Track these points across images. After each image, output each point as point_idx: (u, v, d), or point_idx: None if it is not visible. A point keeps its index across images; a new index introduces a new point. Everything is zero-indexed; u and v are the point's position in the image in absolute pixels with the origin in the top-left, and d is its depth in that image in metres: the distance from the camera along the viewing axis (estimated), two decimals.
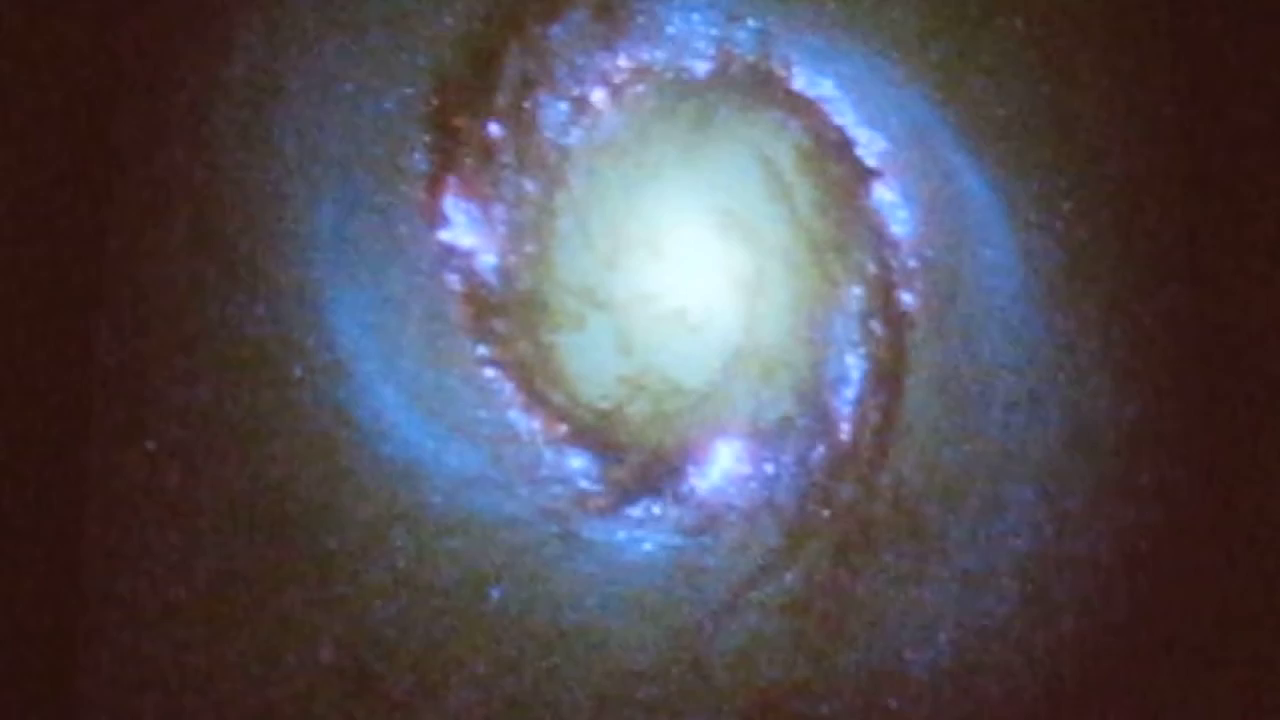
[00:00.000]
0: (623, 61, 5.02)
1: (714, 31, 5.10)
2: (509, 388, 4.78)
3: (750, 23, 5.13)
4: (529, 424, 4.77)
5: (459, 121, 4.86)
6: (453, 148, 4.84)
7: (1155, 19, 5.48)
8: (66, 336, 4.45)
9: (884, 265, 5.12)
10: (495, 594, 4.65)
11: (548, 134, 4.92)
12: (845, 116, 5.17)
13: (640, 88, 5.03)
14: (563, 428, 4.80)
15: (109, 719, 4.34)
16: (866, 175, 5.16)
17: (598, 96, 4.99)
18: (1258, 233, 5.45)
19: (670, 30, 5.07)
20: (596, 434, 4.81)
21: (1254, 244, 5.45)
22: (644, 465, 4.83)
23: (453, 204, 4.82)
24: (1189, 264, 5.37)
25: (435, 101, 4.85)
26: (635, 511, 4.80)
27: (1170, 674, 5.09)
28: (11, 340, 4.42)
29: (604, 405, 4.83)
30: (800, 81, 5.15)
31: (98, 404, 4.46)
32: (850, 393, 5.03)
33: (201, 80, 4.66)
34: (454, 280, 4.80)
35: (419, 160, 4.81)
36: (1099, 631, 5.05)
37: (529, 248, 4.86)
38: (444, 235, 4.81)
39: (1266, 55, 5.58)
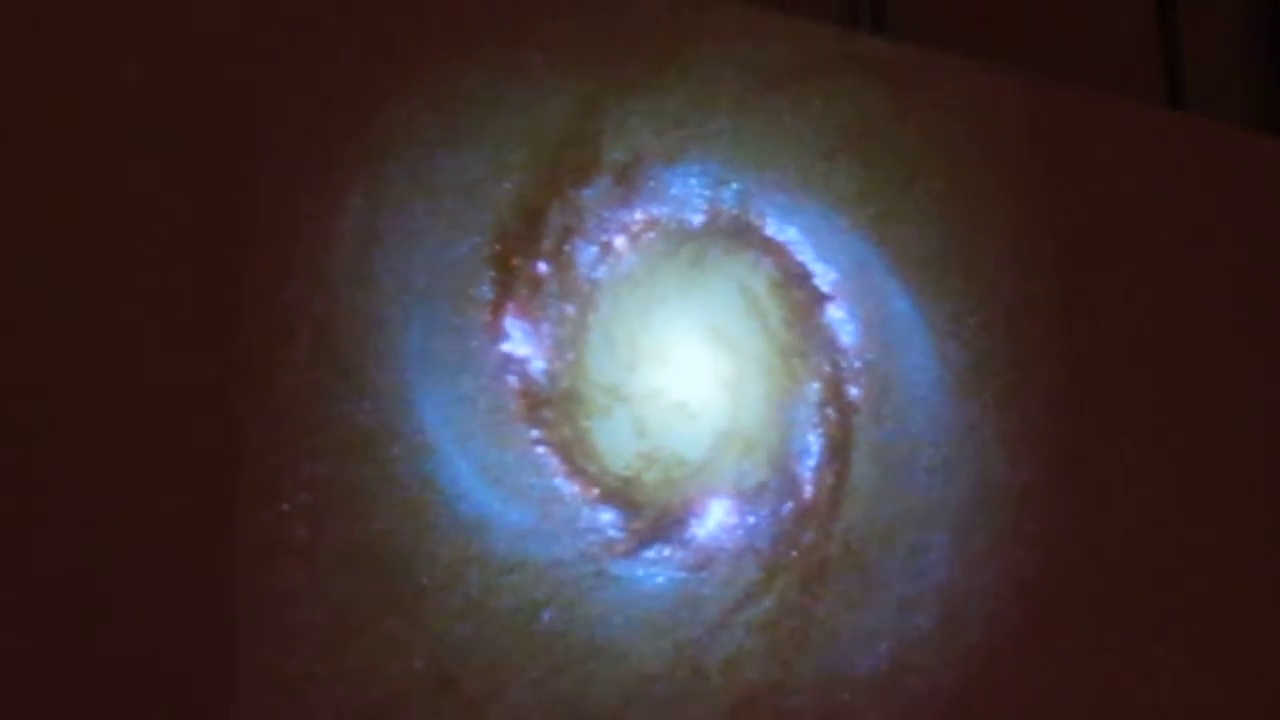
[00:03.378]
0: (637, 215, 4.93)
1: (706, 192, 5.03)
2: (554, 461, 4.65)
3: (733, 185, 5.08)
4: (570, 489, 4.64)
5: (515, 261, 4.73)
6: (510, 281, 4.72)
7: (1035, 183, 5.50)
8: (218, 424, 4.30)
9: (835, 366, 5.06)
10: (545, 616, 4.53)
11: (582, 270, 4.82)
12: (805, 255, 5.11)
13: (650, 235, 4.94)
14: (595, 491, 4.67)
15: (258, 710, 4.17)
16: (821, 299, 5.10)
17: (619, 242, 4.89)
18: (1117, 338, 5.48)
19: (673, 191, 4.99)
20: (620, 496, 4.70)
21: (1114, 348, 5.47)
22: (656, 519, 4.73)
23: (510, 323, 4.69)
24: (1064, 364, 5.39)
25: (497, 247, 4.72)
26: (650, 554, 4.70)
27: (1054, 669, 5.10)
28: (174, 420, 4.25)
29: (626, 474, 4.72)
30: (771, 229, 5.09)
31: (244, 477, 4.29)
32: (811, 462, 4.95)
33: (320, 232, 4.51)
34: (512, 381, 4.66)
35: (484, 290, 4.68)
36: (998, 640, 5.03)
37: (568, 355, 4.74)
38: (504, 347, 4.67)
39: (1126, 209, 5.66)
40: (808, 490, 4.92)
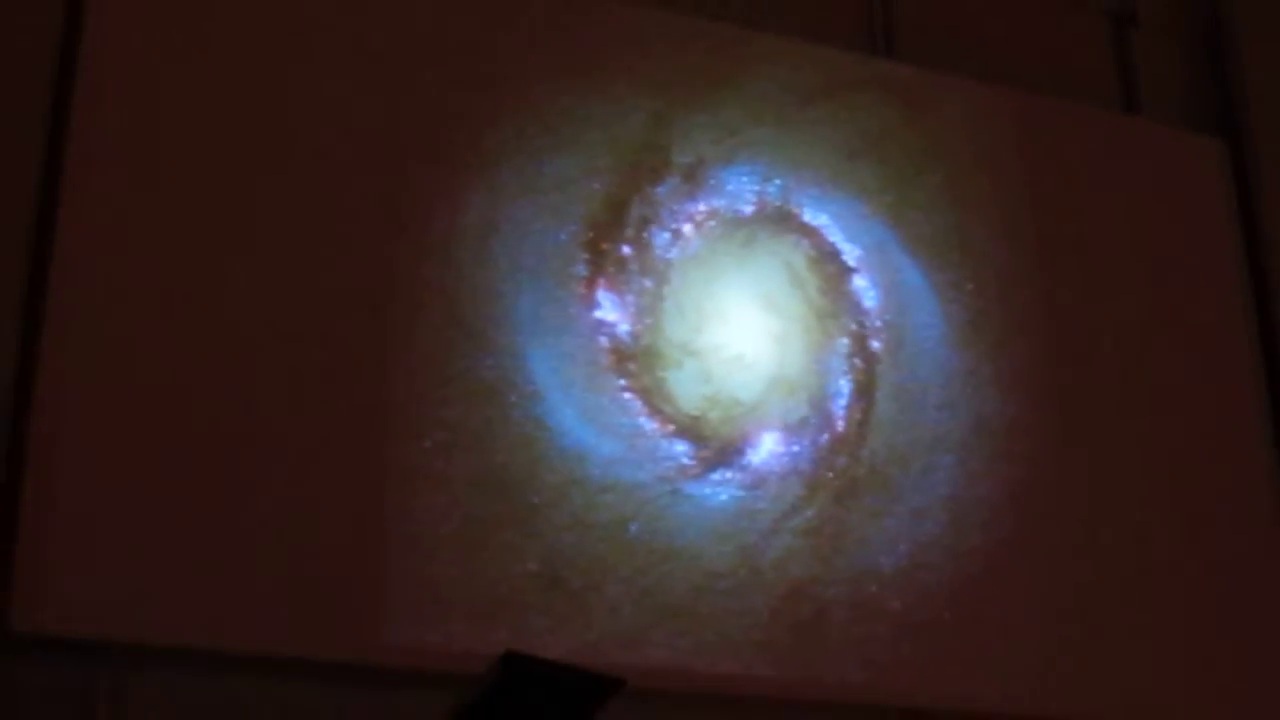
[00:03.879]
0: (701, 207, 5.09)
1: (755, 187, 5.19)
2: (637, 404, 4.81)
3: (777, 181, 5.22)
4: (650, 425, 4.80)
5: (604, 245, 4.93)
6: (600, 261, 4.90)
7: (1019, 176, 5.61)
8: (372, 377, 4.50)
9: (860, 325, 5.19)
10: (632, 527, 4.68)
11: (657, 252, 4.99)
12: (835, 236, 5.25)
13: (711, 222, 5.10)
14: (670, 427, 4.82)
15: (413, 618, 4.34)
16: (848, 271, 5.23)
17: (686, 228, 5.06)
18: (1086, 300, 5.56)
19: (728, 187, 5.15)
20: (690, 430, 4.84)
21: (1084, 308, 5.55)
22: (720, 449, 4.86)
23: (601, 295, 4.88)
24: (1044, 321, 5.47)
25: (589, 234, 4.91)
26: (715, 476, 4.82)
27: (1041, 564, 5.11)
28: (339, 375, 4.45)
29: (695, 413, 4.86)
30: (807, 216, 5.23)
31: (393, 419, 4.49)
32: (842, 401, 5.08)
33: (448, 223, 4.73)
34: (603, 340, 4.84)
35: (580, 269, 4.87)
36: (995, 541, 5.08)
37: (647, 320, 4.91)
38: (596, 314, 4.86)
39: (1092, 196, 5.74)
40: (840, 424, 5.04)
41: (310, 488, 4.31)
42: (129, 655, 4.08)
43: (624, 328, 4.87)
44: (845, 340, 5.15)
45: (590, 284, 4.87)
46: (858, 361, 5.13)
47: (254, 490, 4.24)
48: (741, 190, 5.16)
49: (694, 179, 5.11)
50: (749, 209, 5.16)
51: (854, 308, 5.20)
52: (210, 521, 4.16)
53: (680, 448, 4.81)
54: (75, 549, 4.01)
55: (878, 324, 5.21)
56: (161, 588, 4.05)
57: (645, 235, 4.98)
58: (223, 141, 4.51)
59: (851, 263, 5.24)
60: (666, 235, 5.01)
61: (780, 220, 5.18)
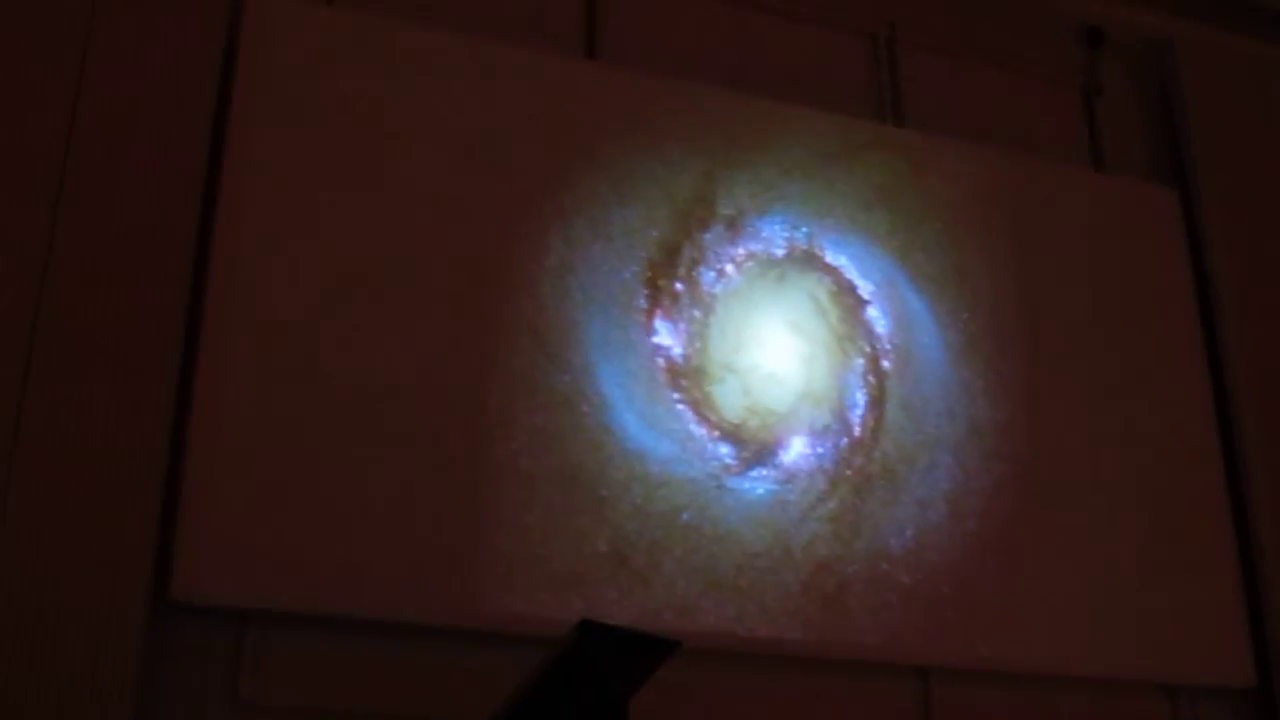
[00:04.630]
0: (741, 250, 5.08)
1: (786, 233, 5.16)
2: (689, 413, 4.79)
3: (804, 229, 5.19)
4: (699, 431, 4.78)
5: (660, 282, 4.92)
6: (657, 295, 4.90)
7: (1006, 221, 5.56)
8: (468, 391, 4.52)
9: (873, 347, 5.16)
10: (686, 516, 4.67)
11: (704, 287, 4.97)
12: (852, 274, 5.22)
13: (751, 263, 5.08)
14: (716, 432, 4.80)
15: (504, 590, 4.35)
16: (863, 303, 5.20)
17: (730, 268, 5.04)
18: (1062, 325, 5.49)
19: (764, 233, 5.13)
20: (733, 435, 4.82)
21: (1061, 333, 5.48)
22: (757, 450, 4.84)
23: (659, 323, 4.87)
24: (1028, 344, 5.41)
25: (649, 273, 4.90)
26: (753, 473, 4.81)
27: (1029, 546, 5.08)
28: (439, 389, 4.46)
29: (736, 421, 4.85)
30: (829, 257, 5.21)
31: (484, 425, 4.50)
32: (859, 411, 5.05)
33: (532, 264, 4.75)
34: (660, 361, 4.82)
35: (641, 301, 4.87)
36: (989, 526, 5.05)
37: (697, 344, 4.89)
38: (655, 339, 4.84)
39: (1067, 238, 5.69)
40: (857, 429, 5.01)
41: (420, 481, 4.34)
42: (270, 621, 4.13)
43: (677, 350, 4.86)
44: (861, 360, 5.12)
45: (649, 314, 4.86)
46: (871, 378, 5.10)
47: (375, 483, 4.27)
48: (774, 236, 5.15)
49: (735, 227, 5.09)
50: (781, 251, 5.14)
51: (868, 333, 5.17)
52: (339, 508, 4.20)
53: (724, 449, 4.80)
54: (226, 529, 4.06)
55: (888, 346, 5.18)
56: (298, 563, 4.10)
57: (695, 273, 4.97)
58: (348, 198, 4.55)
59: (866, 295, 5.22)
60: (712, 273, 5.00)
61: (807, 260, 5.16)
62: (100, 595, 3.83)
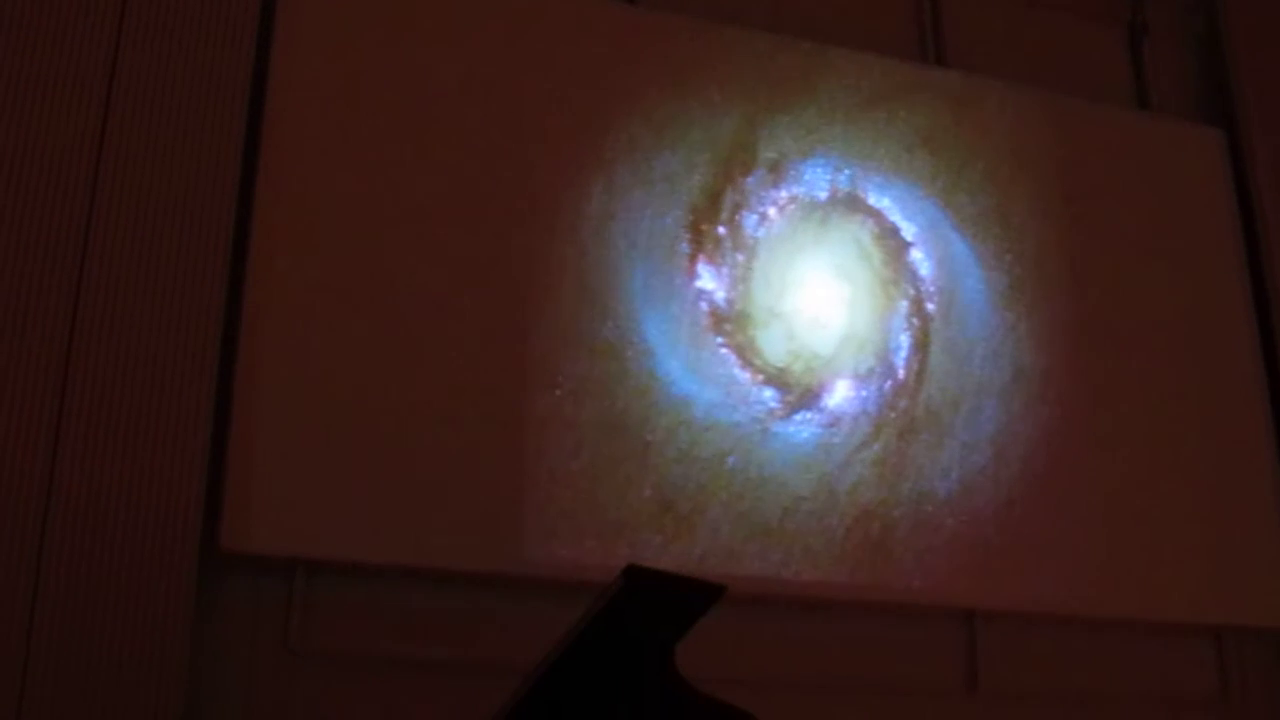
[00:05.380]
0: (784, 193, 5.04)
1: (828, 177, 5.11)
2: (733, 358, 4.77)
3: (846, 171, 5.14)
4: (744, 376, 4.76)
5: (703, 227, 4.88)
6: (700, 240, 4.86)
7: (1052, 163, 5.50)
8: (513, 338, 4.51)
9: (917, 290, 5.13)
10: (730, 460, 4.66)
11: (747, 232, 4.94)
12: (895, 217, 5.17)
13: (793, 207, 5.04)
14: (760, 377, 4.79)
15: (549, 537, 4.37)
16: (907, 245, 5.16)
17: (772, 212, 5.00)
18: (1108, 266, 5.44)
19: (806, 177, 5.08)
20: (777, 380, 4.80)
21: (1107, 273, 5.43)
22: (802, 394, 4.82)
23: (702, 268, 4.84)
24: (1073, 285, 5.36)
25: (691, 218, 4.87)
26: (798, 417, 4.79)
27: (1071, 489, 5.06)
28: (486, 336, 4.45)
29: (781, 365, 4.82)
30: (872, 200, 5.16)
31: (530, 372, 4.49)
32: (903, 354, 5.02)
33: (574, 210, 4.72)
34: (704, 306, 4.80)
35: (684, 247, 4.83)
36: (1031, 470, 5.03)
37: (740, 288, 4.86)
38: (698, 284, 4.82)
39: (1114, 179, 5.62)
40: (901, 373, 4.99)
41: (465, 430, 4.33)
42: (318, 570, 4.16)
43: (720, 295, 4.83)
44: (905, 303, 5.09)
45: (692, 259, 4.83)
46: (915, 321, 5.07)
47: (420, 433, 4.27)
48: (817, 179, 5.10)
49: (778, 171, 5.05)
50: (823, 195, 5.10)
51: (912, 276, 5.13)
52: (384, 458, 4.20)
53: (769, 394, 4.78)
54: (274, 481, 4.07)
55: (932, 289, 5.14)
56: (345, 512, 4.11)
57: (737, 218, 4.93)
58: (392, 145, 4.52)
59: (909, 238, 5.17)
60: (755, 218, 4.96)
61: (850, 204, 5.12)
62: (151, 547, 3.84)
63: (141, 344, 3.98)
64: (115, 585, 3.79)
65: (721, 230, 4.90)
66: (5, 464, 3.77)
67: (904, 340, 5.04)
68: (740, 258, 4.90)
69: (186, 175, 4.17)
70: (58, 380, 3.88)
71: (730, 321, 4.81)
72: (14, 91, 4.05)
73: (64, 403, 3.87)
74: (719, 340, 4.78)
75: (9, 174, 3.99)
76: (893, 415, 4.92)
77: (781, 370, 4.82)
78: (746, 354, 4.79)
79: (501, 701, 3.14)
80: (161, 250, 4.09)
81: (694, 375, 4.70)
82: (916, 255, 5.16)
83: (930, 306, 5.11)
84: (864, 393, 4.91)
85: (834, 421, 4.84)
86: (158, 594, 3.82)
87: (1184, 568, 5.15)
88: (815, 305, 4.95)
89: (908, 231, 5.17)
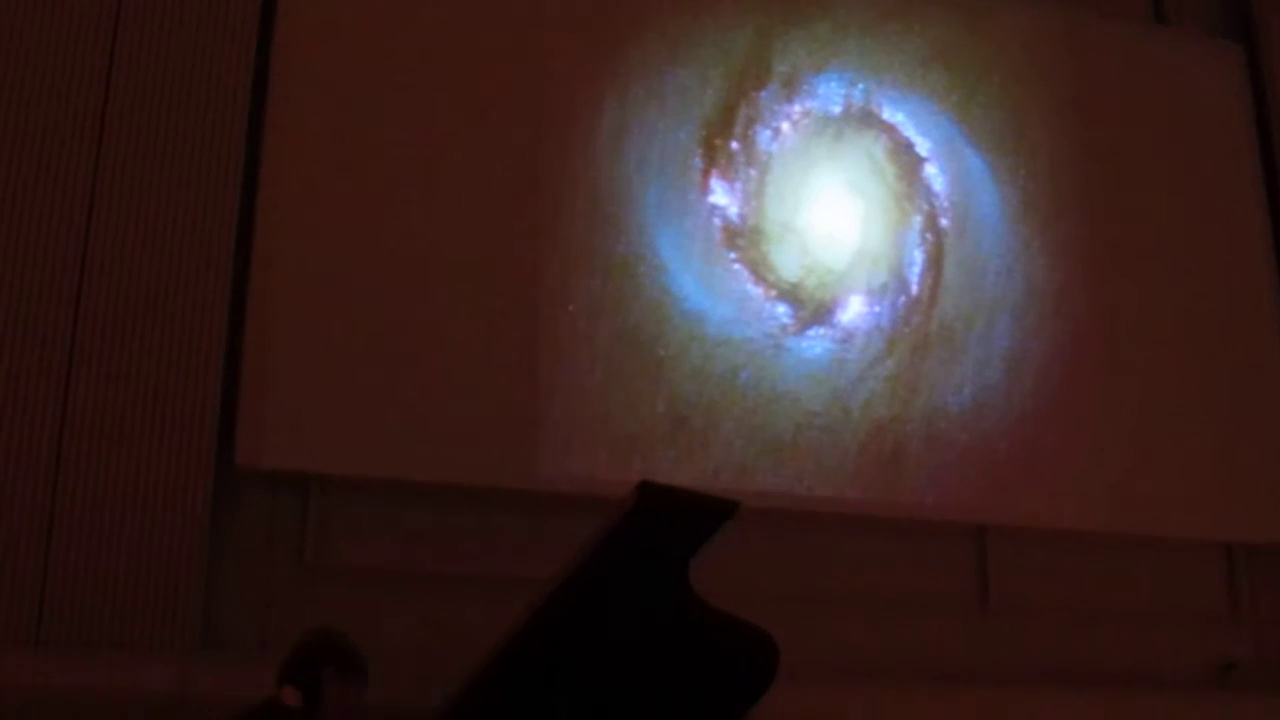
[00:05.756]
0: (797, 108, 4.99)
1: (842, 91, 5.07)
2: (746, 273, 4.75)
3: (860, 86, 5.10)
4: (757, 291, 4.75)
5: (716, 142, 4.84)
6: (713, 155, 4.82)
7: (1066, 77, 5.43)
8: (526, 256, 4.46)
9: (931, 205, 5.09)
10: (743, 375, 4.66)
11: (761, 147, 4.90)
12: (909, 131, 5.14)
13: (807, 121, 5.00)
14: (773, 292, 4.77)
15: (563, 453, 4.36)
16: (921, 161, 5.13)
17: (786, 127, 4.96)
18: (1123, 183, 5.39)
19: (820, 91, 5.04)
20: (791, 295, 4.79)
21: (1121, 190, 5.38)
22: (815, 310, 4.81)
23: (715, 183, 4.80)
24: (1087, 201, 5.31)
25: (704, 133, 4.82)
26: (811, 333, 4.78)
27: (1083, 403, 5.05)
28: (498, 255, 4.39)
29: (794, 280, 4.80)
30: (887, 114, 5.12)
31: (543, 290, 4.47)
32: (916, 269, 5.00)
33: (587, 125, 4.66)
34: (717, 221, 4.77)
35: (697, 162, 4.79)
36: (1045, 386, 5.02)
37: (753, 203, 4.83)
38: (711, 199, 4.78)
39: (1128, 93, 5.54)
40: (915, 289, 4.97)
41: (478, 347, 4.32)
42: (333, 486, 4.17)
43: (734, 210, 4.80)
44: (919, 218, 5.05)
45: (705, 174, 4.79)
46: (929, 236, 5.04)
47: (432, 350, 4.25)
48: (831, 94, 5.05)
49: (791, 85, 4.99)
50: (837, 109, 5.05)
51: (926, 191, 5.09)
52: (397, 376, 4.19)
53: (782, 309, 4.77)
54: (288, 399, 4.06)
55: (946, 204, 5.10)
56: (359, 428, 4.10)
57: (751, 133, 4.89)
58: (405, 62, 4.46)
59: (924, 153, 5.13)
60: (768, 133, 4.92)
61: (863, 119, 5.07)
62: (167, 465, 3.85)
63: (155, 265, 3.97)
64: (132, 502, 3.80)
65: (734, 145, 4.85)
66: (21, 386, 3.77)
67: (918, 256, 5.01)
68: (753, 173, 4.85)
69: (201, 71, 4.14)
70: (71, 304, 3.87)
71: (743, 237, 4.77)
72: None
73: (77, 326, 3.86)
74: (732, 256, 4.75)
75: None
76: (906, 331, 4.91)
77: (795, 286, 4.80)
78: (760, 269, 4.76)
79: (516, 616, 3.14)
80: (174, 159, 4.06)
81: (707, 291, 4.68)
82: (931, 170, 5.12)
83: (944, 222, 5.07)
84: (877, 308, 4.89)
85: (847, 337, 4.83)
86: (174, 510, 3.83)
87: (1195, 484, 5.15)
88: (829, 220, 4.91)
89: (922, 147, 5.13)
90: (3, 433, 3.74)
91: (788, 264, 4.81)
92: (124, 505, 3.80)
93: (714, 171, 4.81)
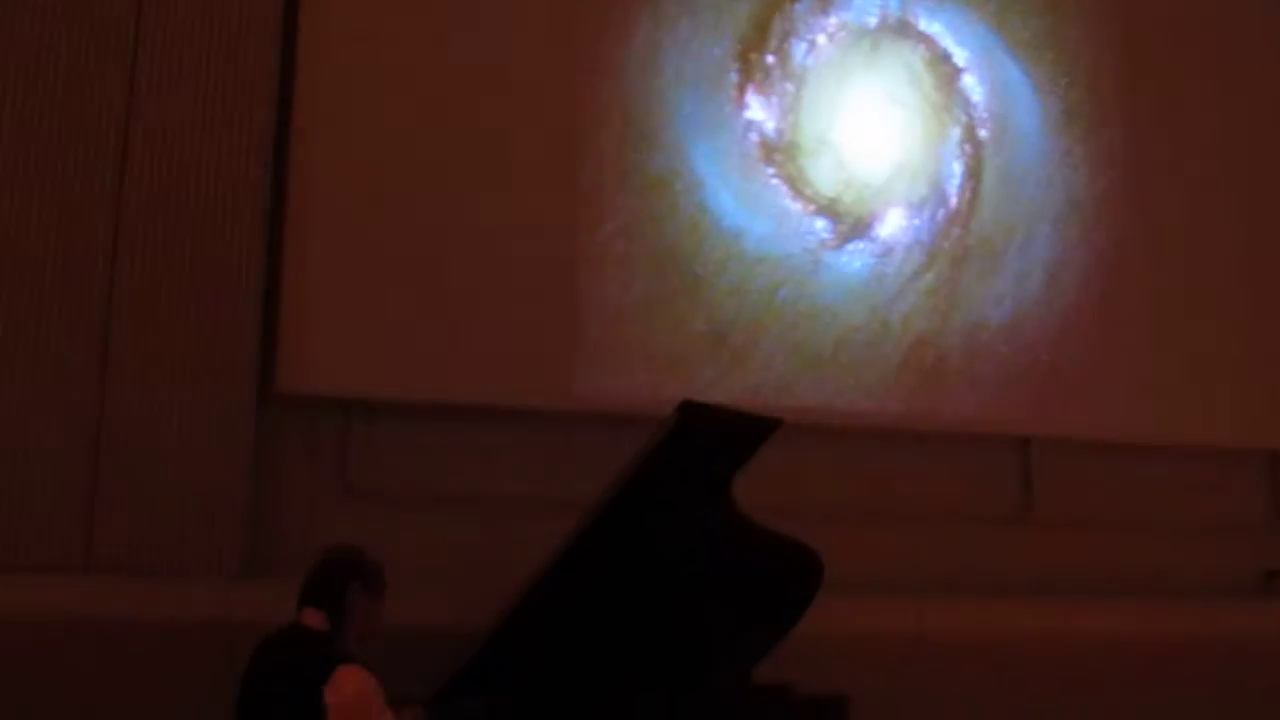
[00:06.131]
0: (833, 20, 4.91)
1: (878, 2, 4.98)
2: (784, 189, 4.71)
3: None
4: (795, 206, 4.71)
5: (752, 56, 4.79)
6: (749, 70, 4.77)
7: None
8: (565, 174, 4.45)
9: (970, 117, 5.02)
10: (782, 293, 4.64)
11: (796, 60, 4.83)
12: (947, 41, 5.05)
13: (842, 33, 4.92)
14: (812, 207, 4.73)
15: (601, 373, 4.37)
16: (959, 71, 5.04)
17: (821, 39, 4.88)
18: (1166, 92, 5.27)
19: (856, 2, 4.95)
20: (829, 209, 4.75)
21: (1164, 99, 5.27)
22: (854, 224, 4.77)
23: (751, 98, 4.75)
24: (1129, 111, 5.21)
25: (739, 47, 4.77)
26: (850, 247, 4.75)
27: (1126, 315, 5.00)
28: (537, 174, 4.38)
29: (832, 195, 4.76)
30: (924, 24, 5.04)
31: (581, 208, 4.47)
32: (955, 182, 4.94)
33: (620, 43, 4.62)
34: (754, 136, 4.72)
35: (732, 76, 4.74)
36: (1085, 297, 4.96)
37: (790, 117, 4.77)
38: (747, 114, 4.73)
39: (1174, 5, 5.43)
40: (953, 201, 4.91)
41: (515, 268, 4.30)
42: (375, 410, 4.18)
43: (770, 125, 4.74)
44: (957, 130, 4.98)
45: (741, 89, 4.74)
46: (968, 148, 4.97)
47: (469, 273, 4.24)
48: (866, 5, 4.97)
49: None
50: (873, 21, 4.97)
51: (964, 102, 5.01)
52: (436, 299, 4.19)
53: (820, 224, 4.73)
54: (328, 324, 4.07)
55: (984, 115, 5.03)
56: (398, 354, 4.11)
57: (786, 46, 4.82)
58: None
59: (961, 64, 5.04)
60: (804, 46, 4.85)
61: (900, 29, 4.99)
62: (210, 391, 3.87)
63: (192, 190, 3.97)
64: (176, 430, 3.82)
65: (770, 59, 4.79)
66: (64, 314, 3.79)
67: (956, 168, 4.94)
68: (789, 87, 4.80)
69: (229, 37, 4.11)
70: (110, 232, 3.88)
71: (780, 152, 4.73)
72: None
73: (116, 255, 3.87)
74: (769, 171, 4.71)
75: None
76: (945, 244, 4.86)
77: (833, 200, 4.75)
78: (797, 184, 4.72)
79: (562, 536, 3.16)
80: (208, 103, 4.04)
81: (744, 207, 4.65)
82: (969, 81, 5.03)
83: (983, 133, 5.00)
84: (916, 221, 4.85)
85: (886, 251, 4.79)
86: (217, 437, 3.85)
87: (1237, 393, 5.11)
88: (866, 134, 4.85)
89: (959, 57, 5.04)
90: (48, 364, 3.76)
91: (825, 178, 4.76)
92: (168, 433, 3.82)
93: (750, 86, 4.75)
